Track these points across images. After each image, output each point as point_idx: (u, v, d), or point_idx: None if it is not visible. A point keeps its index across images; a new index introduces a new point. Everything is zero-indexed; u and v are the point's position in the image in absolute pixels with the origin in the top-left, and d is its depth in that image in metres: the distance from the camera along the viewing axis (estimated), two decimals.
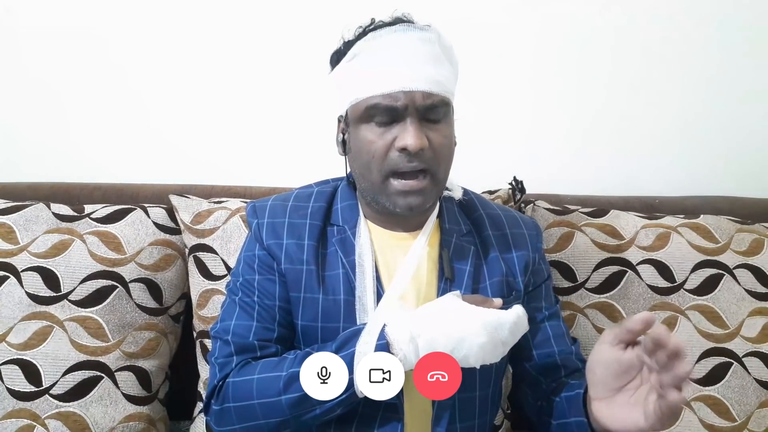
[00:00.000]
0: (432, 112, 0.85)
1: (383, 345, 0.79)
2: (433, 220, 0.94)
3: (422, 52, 0.84)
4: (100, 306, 1.13)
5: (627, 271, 1.20)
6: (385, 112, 0.84)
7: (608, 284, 1.20)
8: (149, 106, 1.49)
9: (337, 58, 0.90)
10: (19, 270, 1.13)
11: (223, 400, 0.86)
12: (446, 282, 0.90)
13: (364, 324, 0.83)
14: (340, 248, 0.91)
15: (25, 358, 1.08)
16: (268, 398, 0.82)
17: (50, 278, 1.13)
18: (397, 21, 0.87)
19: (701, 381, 1.16)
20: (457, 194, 0.99)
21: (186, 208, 1.23)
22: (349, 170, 0.95)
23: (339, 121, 0.93)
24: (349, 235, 0.92)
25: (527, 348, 0.96)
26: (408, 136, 0.82)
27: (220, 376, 0.88)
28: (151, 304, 1.17)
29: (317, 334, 0.89)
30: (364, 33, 0.87)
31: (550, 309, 1.00)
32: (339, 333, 0.85)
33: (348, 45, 0.88)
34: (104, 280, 1.14)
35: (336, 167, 0.97)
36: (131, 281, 1.16)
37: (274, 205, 0.96)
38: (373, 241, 0.92)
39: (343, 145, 0.92)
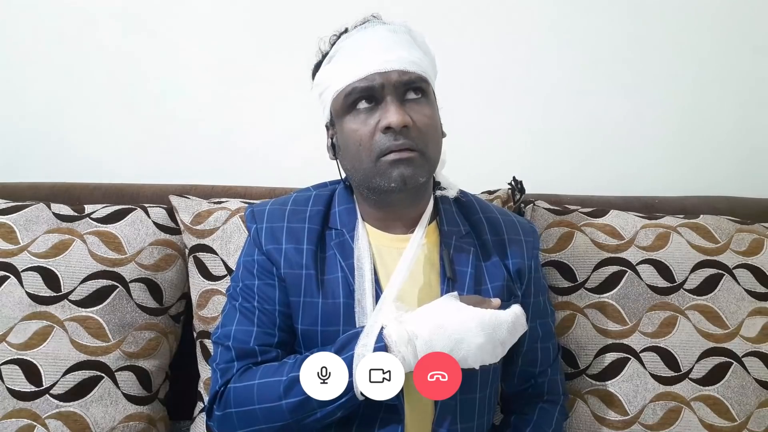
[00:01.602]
0: (411, 89, 0.86)
1: (382, 347, 0.79)
2: (428, 215, 0.94)
3: (393, 39, 0.87)
4: (101, 306, 1.13)
5: (627, 271, 1.20)
6: (364, 95, 0.85)
7: (608, 284, 1.20)
8: (149, 106, 1.49)
9: (315, 68, 0.93)
10: (20, 270, 1.13)
11: (225, 405, 0.87)
12: (449, 282, 0.90)
13: (363, 327, 0.83)
14: (338, 252, 0.91)
15: (25, 358, 1.08)
16: (269, 403, 0.83)
17: (50, 278, 1.13)
18: (367, 21, 0.90)
19: (701, 381, 1.16)
20: (452, 193, 0.99)
21: (186, 209, 1.23)
22: (344, 174, 0.95)
23: (327, 128, 0.95)
24: (348, 238, 0.92)
25: (513, 364, 1.00)
26: (390, 114, 0.83)
27: (221, 382, 0.89)
28: (152, 304, 1.17)
29: (317, 337, 0.89)
30: (337, 38, 0.90)
31: (545, 327, 1.02)
32: (339, 336, 0.85)
33: (324, 54, 0.91)
34: (104, 280, 1.14)
35: (336, 168, 0.97)
36: (131, 281, 1.16)
37: (272, 210, 0.96)
38: (371, 244, 0.92)
39: (333, 149, 0.93)
